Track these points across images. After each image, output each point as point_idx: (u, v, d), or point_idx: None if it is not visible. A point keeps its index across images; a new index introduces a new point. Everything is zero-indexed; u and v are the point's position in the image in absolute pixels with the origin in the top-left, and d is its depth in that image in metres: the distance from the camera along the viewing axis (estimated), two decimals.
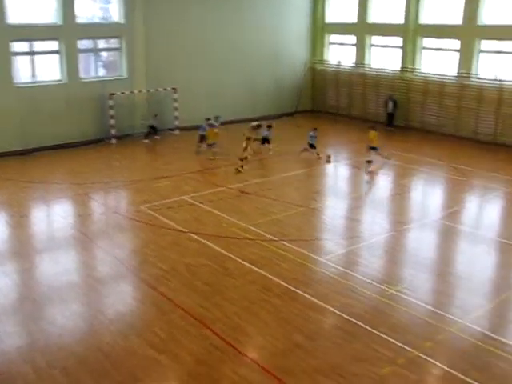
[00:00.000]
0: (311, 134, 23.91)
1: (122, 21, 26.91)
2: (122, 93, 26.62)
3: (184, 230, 16.25)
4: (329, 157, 23.80)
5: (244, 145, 22.25)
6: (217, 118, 25.48)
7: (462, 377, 9.79)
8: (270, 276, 13.46)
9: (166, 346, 10.63)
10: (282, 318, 11.65)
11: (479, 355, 10.49)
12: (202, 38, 29.41)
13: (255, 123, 23.73)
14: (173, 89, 28.00)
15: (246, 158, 22.13)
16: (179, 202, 18.58)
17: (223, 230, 16.29)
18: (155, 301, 12.39)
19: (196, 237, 15.74)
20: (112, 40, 27.49)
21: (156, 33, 27.77)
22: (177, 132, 28.42)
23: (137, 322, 11.64)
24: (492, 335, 11.14)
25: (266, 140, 24.44)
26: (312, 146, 23.80)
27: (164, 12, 27.91)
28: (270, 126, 24.77)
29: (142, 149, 25.96)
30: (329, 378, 9.73)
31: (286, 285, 13.05)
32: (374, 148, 23.07)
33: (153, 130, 27.23)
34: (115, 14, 27.12)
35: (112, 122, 26.35)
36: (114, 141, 26.52)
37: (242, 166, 21.81)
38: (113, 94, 26.14)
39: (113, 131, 26.52)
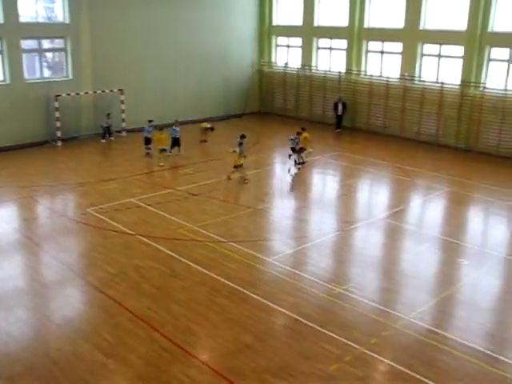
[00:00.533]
0: (238, 140, 22.30)
1: (67, 21, 26.48)
2: (68, 94, 26.18)
3: (132, 232, 16.12)
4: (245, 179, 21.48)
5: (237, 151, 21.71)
6: (176, 122, 24.64)
7: (408, 371, 10.07)
8: (218, 277, 13.50)
9: (115, 350, 10.55)
10: (230, 319, 11.71)
11: (423, 350, 10.80)
12: (149, 39, 29.25)
13: (239, 139, 22.23)
14: (119, 90, 27.71)
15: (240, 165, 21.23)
16: (127, 204, 18.42)
17: (171, 231, 16.24)
18: (103, 304, 12.27)
19: (144, 239, 15.65)
20: (57, 40, 27.00)
21: (102, 33, 27.44)
22: (124, 134, 28.14)
23: (85, 327, 11.50)
24: (436, 330, 11.48)
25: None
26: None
27: (111, 12, 27.61)
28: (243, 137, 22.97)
29: (89, 151, 25.58)
30: (278, 378, 9.85)
31: (234, 286, 13.11)
32: (300, 150, 22.85)
33: (107, 130, 26.97)
34: (60, 13, 26.64)
35: (58, 124, 25.87)
36: (59, 143, 26.06)
37: (232, 173, 21.26)
38: (58, 96, 25.67)
39: (58, 133, 26.05)
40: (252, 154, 24.00)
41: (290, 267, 14.23)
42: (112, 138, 27.22)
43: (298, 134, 23.37)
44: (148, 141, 24.38)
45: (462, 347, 10.88)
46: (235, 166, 21.16)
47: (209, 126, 27.11)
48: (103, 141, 26.89)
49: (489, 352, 10.78)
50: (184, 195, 19.44)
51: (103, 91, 27.41)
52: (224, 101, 33.38)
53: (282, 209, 18.81)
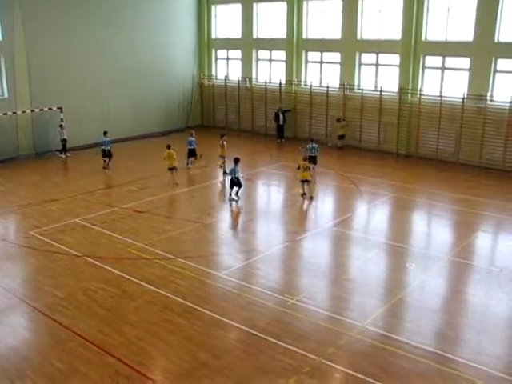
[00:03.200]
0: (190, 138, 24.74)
1: (0, 38, 25.74)
2: (5, 114, 25.41)
3: (78, 253, 15.70)
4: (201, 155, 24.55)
5: None
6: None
7: (366, 378, 10.12)
8: (170, 295, 13.28)
9: (67, 378, 10.17)
10: (185, 338, 11.51)
11: (380, 356, 10.89)
12: (88, 56, 28.79)
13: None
14: (59, 108, 27.08)
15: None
16: (71, 225, 17.95)
17: (119, 251, 15.91)
18: (51, 330, 11.85)
19: (91, 260, 15.26)
20: None
21: (39, 51, 26.82)
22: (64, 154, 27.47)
23: (33, 355, 11.03)
24: (390, 335, 11.60)
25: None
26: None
27: (47, 30, 27.03)
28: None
29: (29, 171, 24.85)
30: None
31: (186, 303, 12.92)
32: (172, 168, 22.40)
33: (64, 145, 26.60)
34: None
35: None
36: None
37: None
38: None
39: None
40: (196, 168, 23.87)
41: (241, 281, 14.15)
42: (68, 155, 26.85)
43: (312, 140, 23.92)
44: (105, 153, 24.46)
45: (416, 350, 11.03)
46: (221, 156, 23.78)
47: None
48: (63, 156, 26.77)
49: (441, 352, 10.97)
50: (129, 213, 19.10)
51: (41, 109, 26.74)
52: (166, 116, 33.17)
53: (229, 222, 18.72)
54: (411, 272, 14.98)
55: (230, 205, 20.21)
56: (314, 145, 23.43)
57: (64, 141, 26.67)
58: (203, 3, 34.14)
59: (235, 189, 20.46)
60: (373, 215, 19.84)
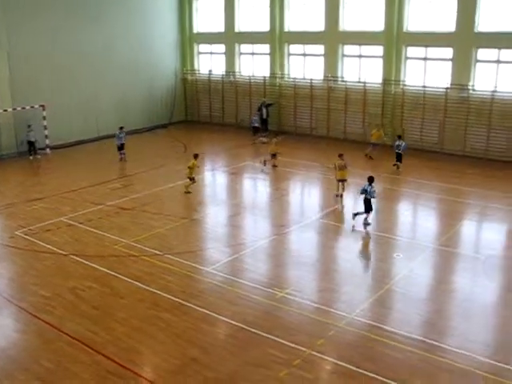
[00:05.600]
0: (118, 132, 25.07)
1: None
2: None
3: (65, 252, 15.59)
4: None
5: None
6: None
7: (355, 369, 10.18)
8: (158, 292, 13.24)
9: (56, 378, 10.12)
10: (174, 334, 11.49)
11: (369, 346, 10.96)
12: (70, 53, 28.52)
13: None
14: (41, 106, 26.83)
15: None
16: (57, 223, 17.81)
17: (106, 249, 15.82)
18: (39, 330, 11.76)
19: (78, 259, 15.16)
20: None
21: (20, 48, 26.48)
22: (48, 151, 27.24)
23: (21, 356, 10.93)
24: (378, 325, 11.67)
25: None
26: None
27: (28, 27, 26.71)
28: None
29: (12, 170, 24.62)
30: None
31: (175, 299, 12.89)
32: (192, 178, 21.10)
33: (33, 146, 26.11)
34: None
35: None
36: None
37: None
38: None
39: None
40: (181, 164, 23.78)
41: (229, 275, 14.14)
42: (38, 156, 26.33)
43: (399, 137, 23.79)
44: (121, 147, 25.02)
45: (405, 339, 11.11)
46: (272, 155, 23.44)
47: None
48: (31, 157, 26.07)
49: (430, 341, 11.07)
50: (115, 210, 19.01)
51: (23, 108, 26.45)
52: (149, 111, 32.99)
53: (216, 217, 18.71)
54: (398, 262, 15.06)
55: (364, 226, 17.25)
56: (400, 142, 23.46)
57: (30, 143, 26.19)
58: None
59: (363, 212, 17.35)
60: (359, 206, 19.87)
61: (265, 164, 23.44)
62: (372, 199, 17.21)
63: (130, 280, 13.85)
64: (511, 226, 17.97)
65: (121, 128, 25.36)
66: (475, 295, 13.30)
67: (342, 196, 19.53)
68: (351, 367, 10.23)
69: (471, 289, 13.67)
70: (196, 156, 21.25)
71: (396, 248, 16.02)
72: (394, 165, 23.35)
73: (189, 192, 20.79)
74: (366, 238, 16.67)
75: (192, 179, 20.99)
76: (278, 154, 23.89)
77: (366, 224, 17.18)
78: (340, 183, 19.57)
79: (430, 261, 15.32)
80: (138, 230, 17.22)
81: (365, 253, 15.73)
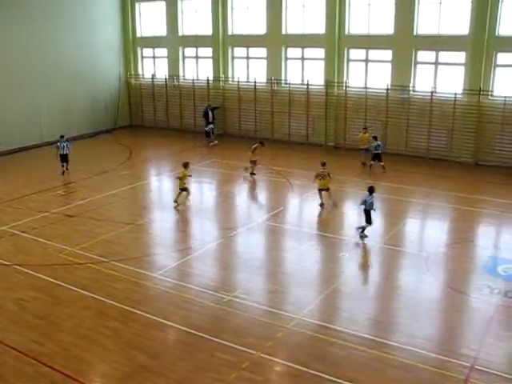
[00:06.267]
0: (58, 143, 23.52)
1: None
2: None
3: (7, 262, 15.18)
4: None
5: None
6: None
7: (305, 369, 10.29)
8: (104, 299, 13.05)
9: None
10: (122, 341, 11.36)
11: (317, 346, 11.08)
12: (10, 57, 27.63)
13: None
14: None
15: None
16: None
17: (50, 257, 15.49)
18: None
19: (22, 268, 14.78)
20: None
21: None
22: None
23: None
24: (326, 325, 11.83)
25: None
26: None
27: None
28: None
29: None
30: None
31: (122, 306, 12.73)
32: (184, 189, 19.91)
33: None
34: None
35: None
36: None
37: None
38: None
39: None
40: (126, 169, 23.55)
41: (176, 280, 14.07)
42: None
43: (375, 138, 23.85)
44: (64, 158, 23.40)
45: (352, 338, 11.29)
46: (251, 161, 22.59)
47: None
48: None
49: (377, 338, 11.28)
50: (59, 218, 18.64)
51: None
52: (93, 116, 32.41)
53: (162, 222, 18.59)
54: (344, 261, 15.30)
55: (361, 238, 16.52)
56: (378, 142, 23.83)
57: None
58: (127, 1, 33.56)
59: (364, 224, 16.60)
60: (304, 207, 20.13)
61: (246, 171, 22.92)
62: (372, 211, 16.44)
63: (75, 288, 13.60)
64: (453, 223, 18.52)
65: (61, 137, 24.08)
66: (419, 292, 13.64)
67: (323, 205, 19.15)
68: (300, 368, 10.34)
69: (415, 285, 14.01)
70: (186, 165, 19.91)
71: (341, 248, 16.27)
72: (370, 166, 23.81)
73: (188, 202, 19.76)
74: (311, 239, 16.84)
75: (185, 189, 19.71)
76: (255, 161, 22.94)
77: (361, 236, 16.44)
78: (323, 192, 19.21)
79: (376, 259, 15.64)
80: (83, 237, 16.93)
81: (310, 253, 15.88)
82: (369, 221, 16.42)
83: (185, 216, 19.22)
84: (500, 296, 13.06)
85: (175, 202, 19.68)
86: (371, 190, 16.61)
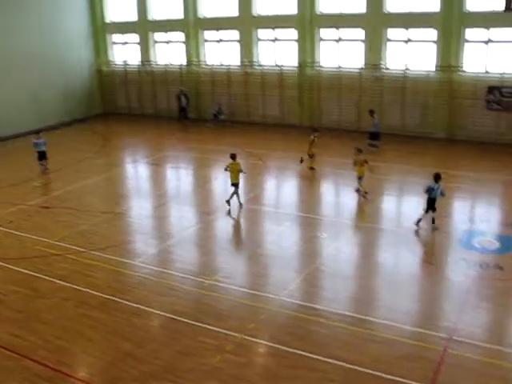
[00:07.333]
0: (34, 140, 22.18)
1: None
2: None
3: None
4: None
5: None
6: None
7: (287, 349, 10.40)
8: (84, 289, 13.00)
9: None
10: (105, 330, 11.35)
11: (299, 325, 11.20)
12: None
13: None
14: None
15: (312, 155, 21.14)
16: None
17: (28, 250, 15.35)
18: None
19: None
20: None
21: None
22: None
23: None
24: (307, 304, 11.96)
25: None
26: None
27: None
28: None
29: None
30: (164, 380, 9.73)
31: (103, 295, 12.71)
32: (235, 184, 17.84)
33: None
34: None
35: None
36: None
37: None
38: None
39: None
40: (100, 157, 23.36)
41: (157, 267, 14.06)
42: None
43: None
44: (42, 155, 22.12)
45: (333, 316, 11.43)
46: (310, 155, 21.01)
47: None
48: None
49: (358, 315, 11.45)
50: (36, 209, 18.46)
51: None
52: (66, 105, 31.92)
53: (140, 209, 18.50)
54: (323, 241, 15.42)
55: (416, 231, 15.69)
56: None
57: None
58: None
59: (430, 214, 15.60)
60: (282, 189, 20.20)
61: (301, 162, 21.27)
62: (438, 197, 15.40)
63: (54, 280, 13.52)
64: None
65: (37, 133, 22.81)
66: (397, 267, 13.87)
67: (366, 193, 18.30)
68: (283, 347, 10.45)
69: (393, 261, 14.23)
70: (233, 156, 17.87)
71: (320, 227, 16.39)
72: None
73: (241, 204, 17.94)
74: (289, 220, 16.90)
75: (235, 185, 17.70)
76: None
77: (417, 225, 15.63)
78: (359, 180, 18.43)
79: (353, 238, 15.80)
80: (61, 227, 16.81)
81: (289, 234, 15.96)
82: (433, 208, 15.46)
83: (163, 202, 19.13)
84: (476, 268, 13.30)
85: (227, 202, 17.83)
86: (437, 177, 15.41)
